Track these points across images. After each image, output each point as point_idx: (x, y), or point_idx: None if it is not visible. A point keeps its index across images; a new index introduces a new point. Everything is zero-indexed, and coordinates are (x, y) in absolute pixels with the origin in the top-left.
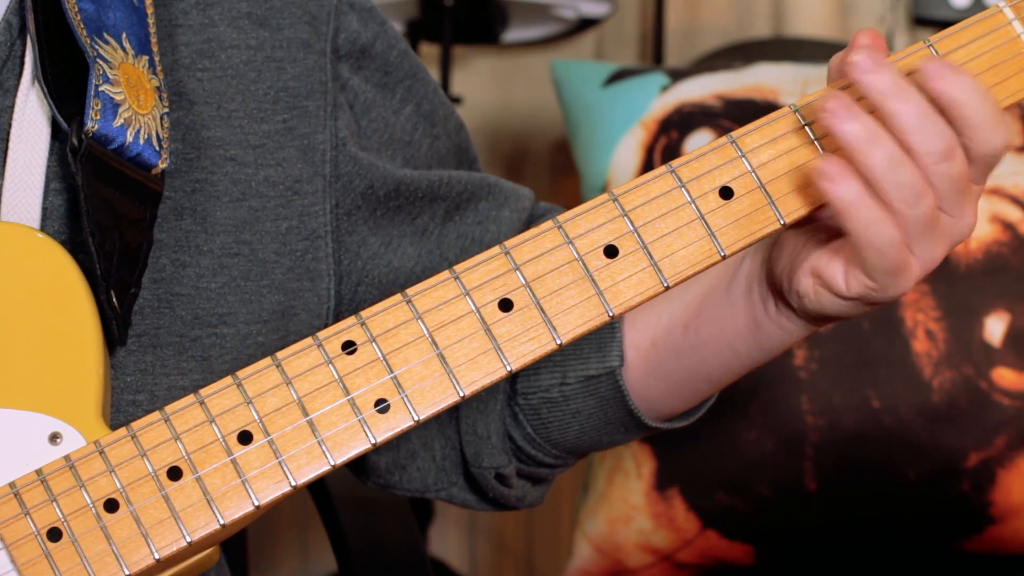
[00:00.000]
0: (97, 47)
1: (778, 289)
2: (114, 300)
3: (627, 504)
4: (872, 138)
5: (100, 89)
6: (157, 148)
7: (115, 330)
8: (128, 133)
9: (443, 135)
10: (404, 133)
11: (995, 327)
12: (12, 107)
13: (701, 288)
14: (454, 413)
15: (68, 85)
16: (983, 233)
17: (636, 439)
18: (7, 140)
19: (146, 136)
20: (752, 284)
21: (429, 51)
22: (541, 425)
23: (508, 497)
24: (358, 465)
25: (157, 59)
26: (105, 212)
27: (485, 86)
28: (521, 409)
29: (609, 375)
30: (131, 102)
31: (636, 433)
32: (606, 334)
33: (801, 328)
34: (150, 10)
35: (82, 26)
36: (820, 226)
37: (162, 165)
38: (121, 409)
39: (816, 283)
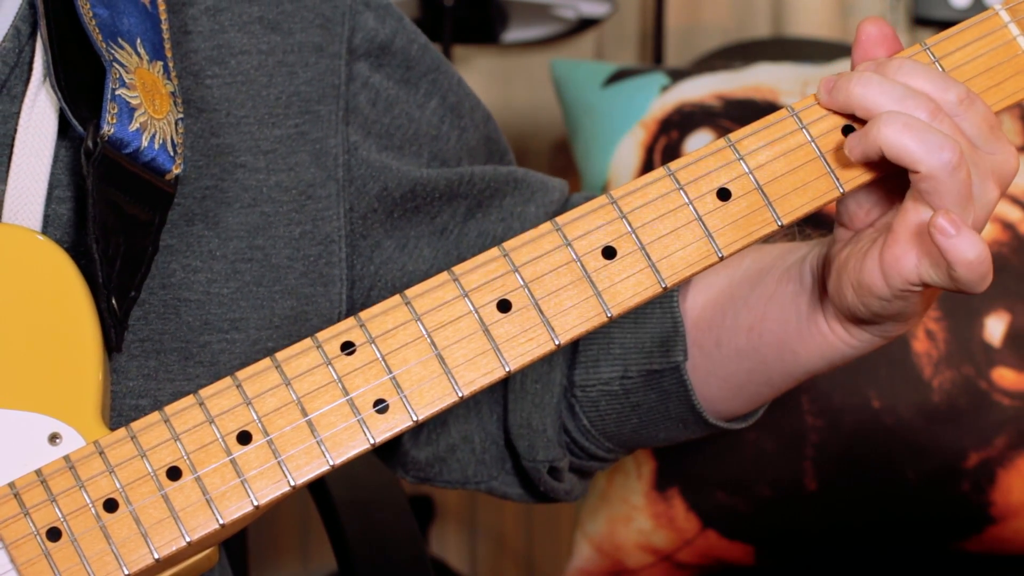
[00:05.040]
0: (113, 52)
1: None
2: (115, 306)
3: (627, 504)
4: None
5: (116, 93)
6: (171, 153)
7: (113, 335)
8: (143, 137)
9: (471, 126)
10: (431, 127)
11: (995, 327)
12: (18, 113)
13: (766, 292)
14: (496, 408)
15: (83, 89)
16: (983, 233)
17: (693, 437)
18: (12, 146)
19: (161, 141)
20: (815, 301)
21: None
22: (598, 417)
23: (558, 491)
24: (396, 460)
25: (171, 64)
26: (112, 216)
27: (485, 86)
28: (578, 401)
29: (674, 370)
30: (147, 106)
31: (695, 430)
32: (669, 330)
33: (866, 342)
34: (163, 15)
35: (97, 31)
36: (856, 237)
37: (176, 170)
38: (123, 414)
39: (858, 292)
